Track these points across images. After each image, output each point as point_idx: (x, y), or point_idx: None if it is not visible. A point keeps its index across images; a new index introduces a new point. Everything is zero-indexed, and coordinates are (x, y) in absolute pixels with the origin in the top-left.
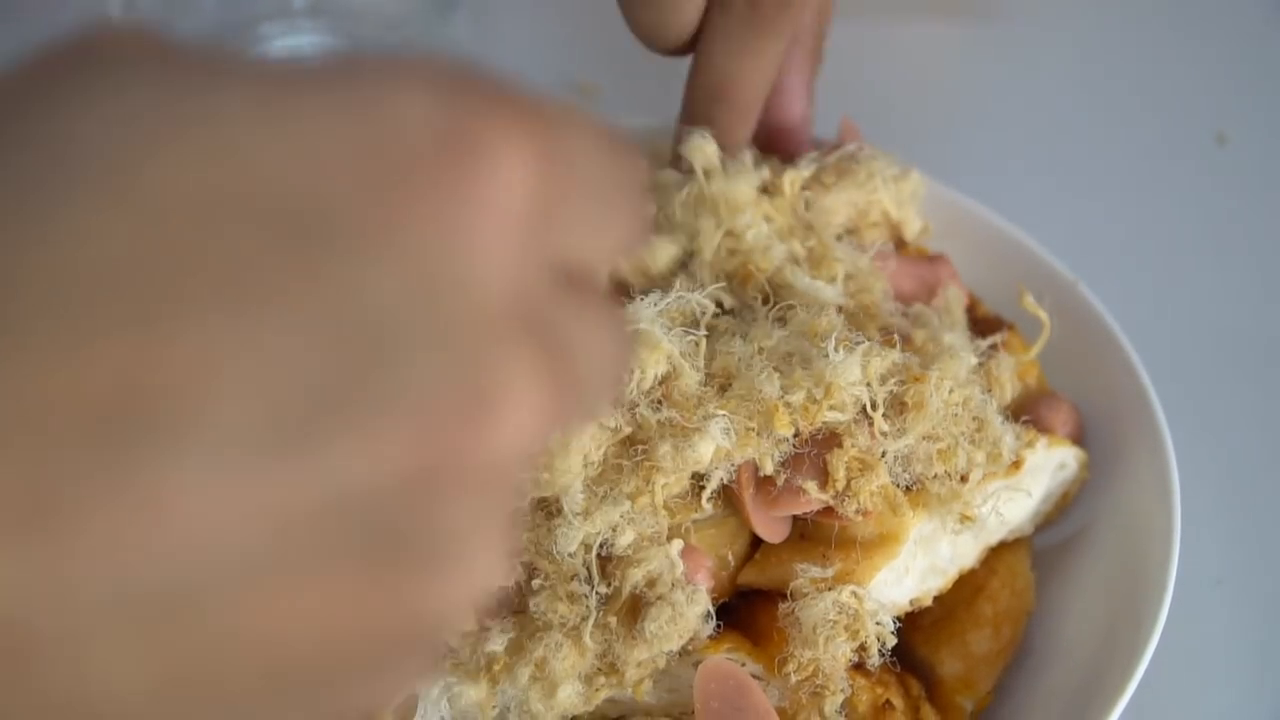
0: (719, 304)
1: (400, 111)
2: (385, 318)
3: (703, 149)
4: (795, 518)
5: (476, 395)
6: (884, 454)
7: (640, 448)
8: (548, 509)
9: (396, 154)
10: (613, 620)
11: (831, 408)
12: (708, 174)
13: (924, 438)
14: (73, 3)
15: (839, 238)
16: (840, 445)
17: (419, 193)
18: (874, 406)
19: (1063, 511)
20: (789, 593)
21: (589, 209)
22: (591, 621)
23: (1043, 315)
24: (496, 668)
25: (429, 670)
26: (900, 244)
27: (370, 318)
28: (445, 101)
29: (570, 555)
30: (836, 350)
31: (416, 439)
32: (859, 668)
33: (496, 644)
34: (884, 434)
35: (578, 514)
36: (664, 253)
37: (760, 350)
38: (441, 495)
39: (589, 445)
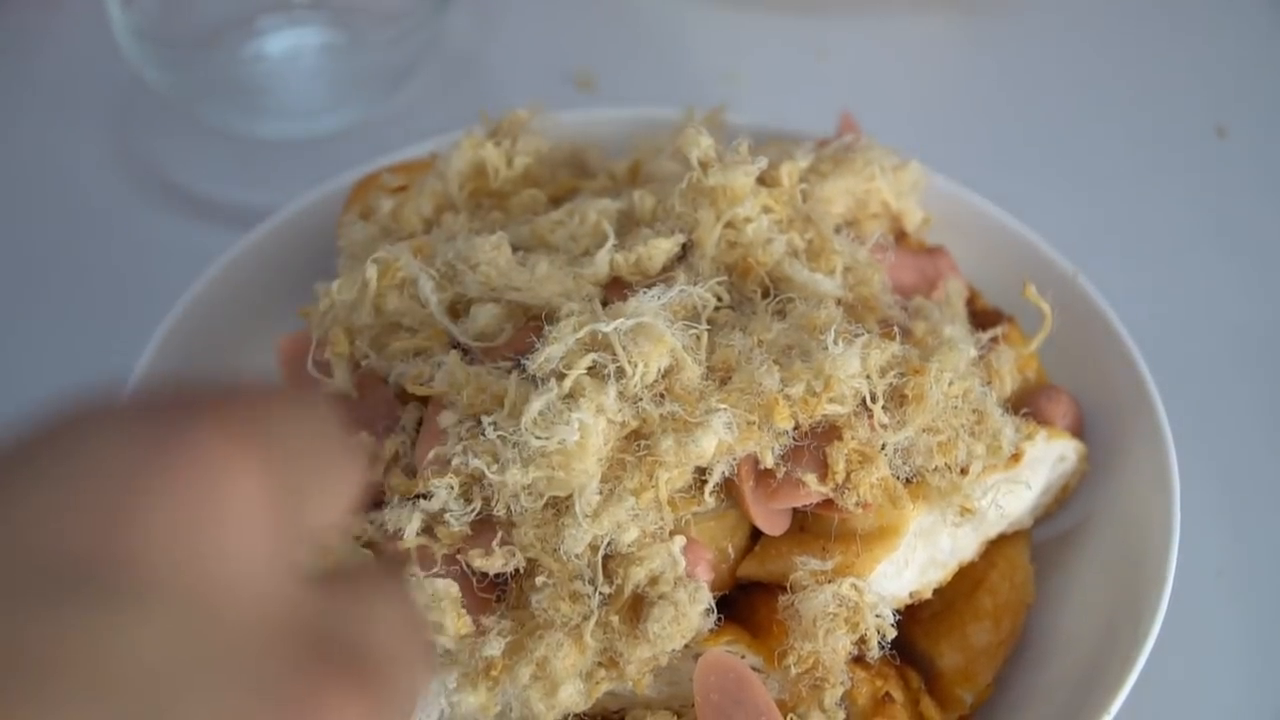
0: (718, 297)
1: (95, 453)
2: (158, 677)
3: (698, 141)
4: (795, 510)
5: None
6: (884, 446)
7: (643, 442)
8: (556, 506)
9: (111, 493)
10: (614, 619)
11: (831, 400)
12: (704, 166)
13: (924, 430)
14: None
15: (838, 230)
16: (840, 438)
17: (150, 527)
18: (873, 399)
19: (1062, 504)
20: (789, 585)
21: (322, 483)
22: (593, 620)
23: (1045, 307)
24: (495, 671)
25: None
26: (901, 236)
27: (143, 681)
28: (138, 427)
29: (576, 555)
30: (836, 343)
31: None
32: (859, 660)
33: (494, 647)
34: (884, 426)
35: (588, 515)
36: (660, 250)
37: (760, 343)
38: None
39: (602, 445)
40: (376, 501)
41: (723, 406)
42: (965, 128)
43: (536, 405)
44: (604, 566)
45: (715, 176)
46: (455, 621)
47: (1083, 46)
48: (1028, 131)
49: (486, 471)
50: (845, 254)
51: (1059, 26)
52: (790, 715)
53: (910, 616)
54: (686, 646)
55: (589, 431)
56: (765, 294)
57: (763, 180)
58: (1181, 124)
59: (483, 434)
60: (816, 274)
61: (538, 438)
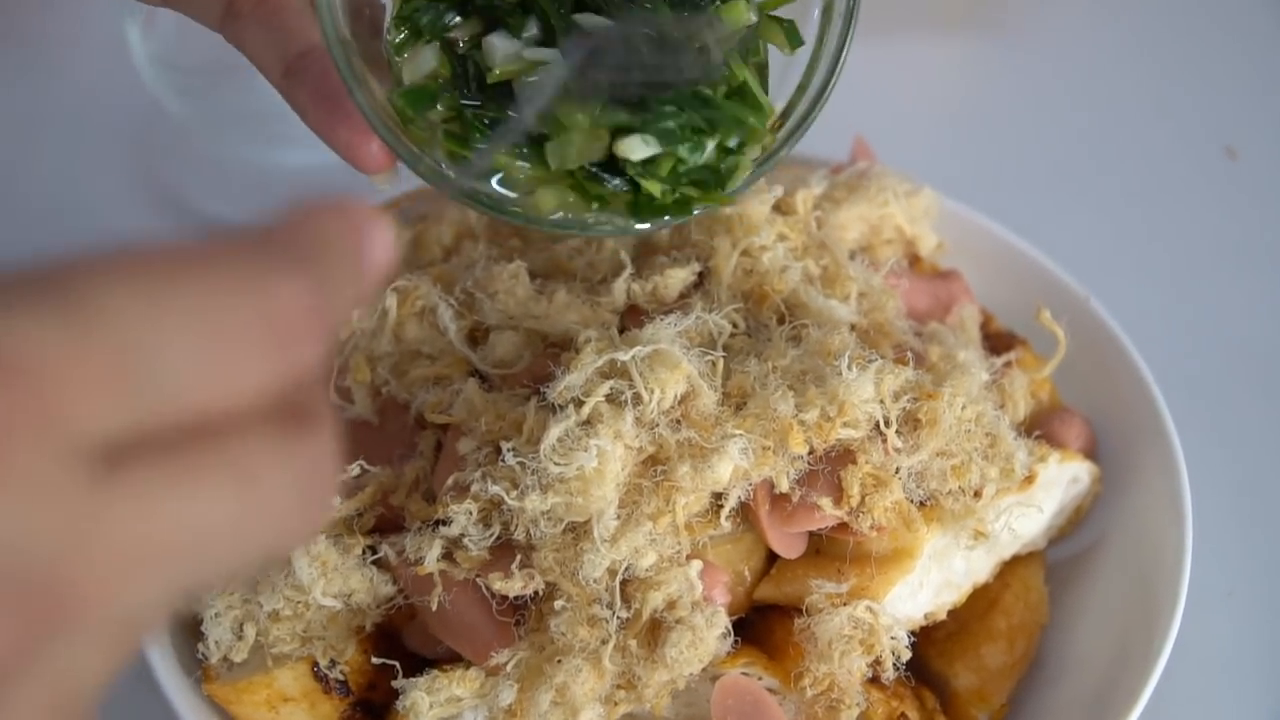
0: (734, 324)
1: None
2: None
3: None
4: (811, 534)
5: None
6: (898, 470)
7: (660, 468)
8: (575, 531)
9: None
10: (632, 643)
11: (845, 425)
12: None
13: (938, 454)
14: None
15: (852, 255)
16: (854, 462)
17: None
18: (887, 423)
19: (1076, 525)
20: (804, 608)
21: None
22: (611, 645)
23: (1059, 333)
24: (515, 711)
25: None
26: (915, 260)
27: None
28: None
29: (595, 580)
30: (850, 368)
31: None
32: (874, 681)
33: (507, 696)
34: (898, 450)
35: (606, 540)
36: (676, 279)
37: (775, 369)
38: None
39: (620, 470)
40: (396, 526)
41: (738, 433)
42: (977, 151)
43: (555, 432)
44: (622, 590)
45: (732, 207)
46: (466, 686)
47: (1093, 70)
48: (1039, 155)
49: (506, 498)
50: (860, 280)
51: (1070, 51)
52: None
53: (925, 638)
54: (704, 669)
55: (607, 458)
56: (780, 320)
57: (778, 207)
58: (1192, 145)
59: (501, 460)
60: (831, 300)
61: (556, 464)
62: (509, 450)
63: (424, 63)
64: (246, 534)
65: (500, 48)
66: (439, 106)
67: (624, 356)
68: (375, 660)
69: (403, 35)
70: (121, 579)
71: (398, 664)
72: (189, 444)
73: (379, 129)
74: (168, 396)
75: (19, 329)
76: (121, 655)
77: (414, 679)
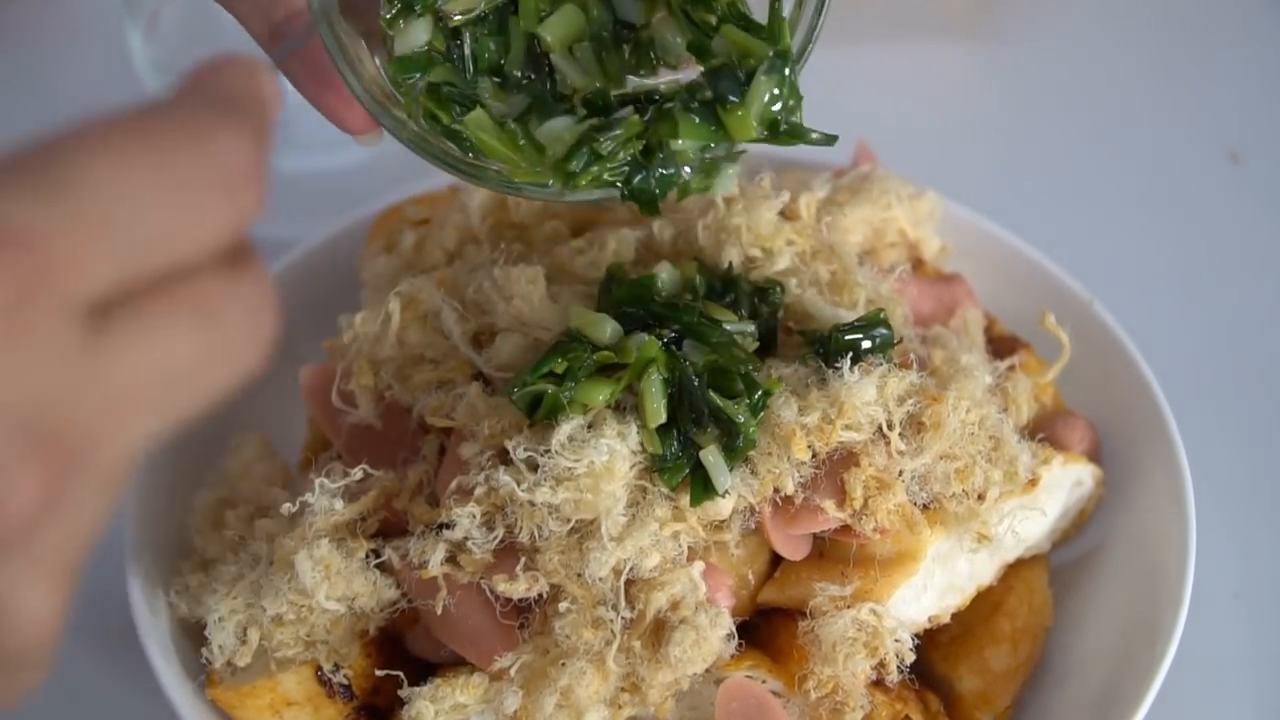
0: None
1: None
2: None
3: None
4: (815, 536)
5: None
6: (901, 473)
7: (663, 489)
8: (580, 532)
9: None
10: (636, 644)
11: (847, 427)
12: (728, 202)
13: (941, 457)
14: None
15: (861, 261)
16: (858, 464)
17: None
18: (890, 426)
19: (1079, 528)
20: (808, 611)
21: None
22: (615, 646)
23: (1063, 337)
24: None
25: None
26: (918, 264)
27: None
28: None
29: (600, 580)
30: (852, 371)
31: None
32: (878, 684)
33: (512, 702)
34: (901, 453)
35: (613, 538)
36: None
37: (779, 378)
38: None
39: (628, 470)
40: (400, 530)
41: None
42: (980, 155)
43: (566, 429)
44: (626, 591)
45: (739, 216)
46: (470, 693)
47: (1097, 74)
48: (1043, 159)
49: (517, 490)
50: (868, 286)
51: (1073, 55)
52: None
53: (929, 640)
54: (708, 671)
55: (617, 455)
56: (789, 332)
57: (783, 213)
58: (1196, 150)
59: (509, 460)
60: (839, 309)
61: (568, 459)
62: (519, 445)
63: (416, 37)
64: (210, 366)
65: None
66: (430, 78)
67: None
68: (380, 673)
69: (396, 8)
70: (117, 421)
71: (402, 674)
72: (158, 291)
73: (363, 99)
74: (144, 252)
75: (20, 207)
76: (110, 504)
77: (418, 688)
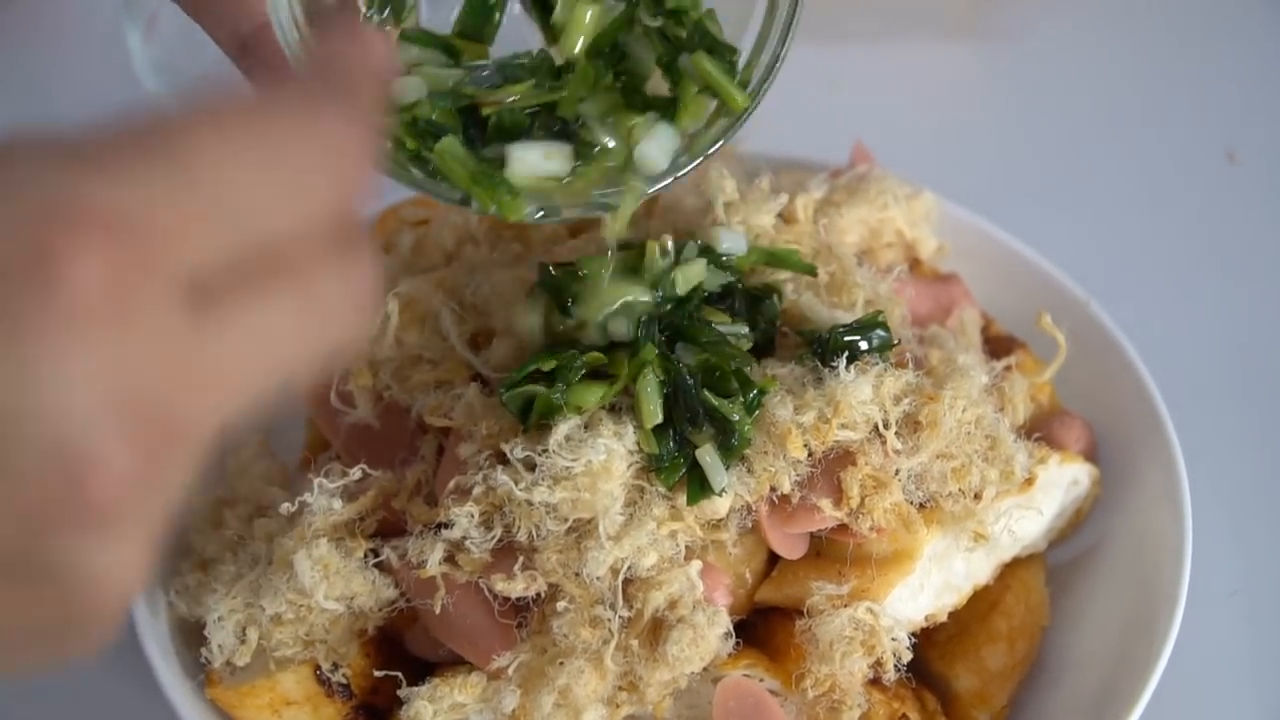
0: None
1: None
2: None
3: (723, 185)
4: (812, 535)
5: (61, 475)
6: (897, 472)
7: (660, 489)
8: (577, 531)
9: None
10: (634, 643)
11: (843, 426)
12: (729, 207)
13: (938, 456)
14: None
15: (860, 262)
16: (854, 463)
17: None
18: (887, 425)
19: (1076, 527)
20: (806, 609)
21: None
22: (613, 645)
23: (1060, 338)
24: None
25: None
26: (915, 263)
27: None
28: (25, 213)
29: (598, 579)
30: (848, 370)
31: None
32: (875, 683)
33: (510, 701)
34: (897, 452)
35: (611, 537)
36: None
37: (774, 377)
38: (52, 538)
39: (625, 470)
40: (398, 530)
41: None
42: (977, 155)
43: (563, 429)
44: (624, 591)
45: (738, 217)
46: (468, 692)
47: (1094, 74)
48: (1040, 159)
49: (515, 490)
50: (866, 287)
51: (1069, 55)
52: None
53: (926, 639)
54: (705, 670)
55: (614, 455)
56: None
57: (781, 215)
58: (1192, 149)
59: (507, 460)
60: (836, 310)
61: (565, 459)
62: (516, 445)
63: (411, 92)
64: (310, 342)
65: None
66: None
67: None
68: (378, 673)
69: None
70: (214, 399)
71: (401, 675)
72: (262, 269)
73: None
74: (252, 229)
75: (129, 187)
76: (192, 474)
77: (417, 688)
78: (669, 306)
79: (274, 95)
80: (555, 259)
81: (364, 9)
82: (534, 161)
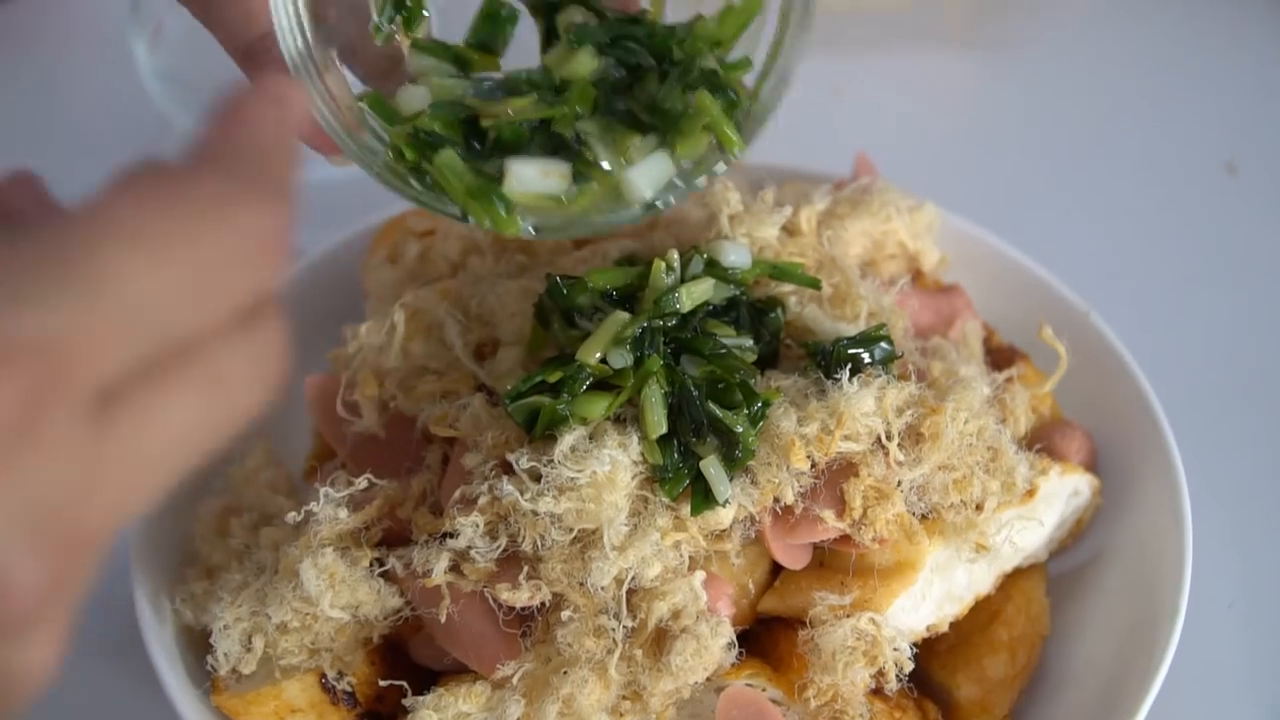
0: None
1: None
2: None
3: (728, 198)
4: (814, 546)
5: None
6: (900, 483)
7: (664, 500)
8: (582, 541)
9: None
10: (638, 653)
11: (846, 438)
12: (733, 219)
13: (940, 467)
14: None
15: (863, 274)
16: (857, 475)
17: None
18: (889, 437)
19: (1077, 538)
20: (808, 620)
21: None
22: (617, 654)
23: (1061, 349)
24: None
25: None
26: (917, 275)
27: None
28: None
29: (602, 589)
30: (851, 382)
31: None
32: (877, 693)
33: (514, 710)
34: (900, 464)
35: (615, 547)
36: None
37: (778, 389)
38: None
39: (629, 480)
40: (404, 539)
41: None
42: (979, 167)
43: (569, 440)
44: (628, 600)
45: (742, 229)
46: (473, 701)
47: (1094, 85)
48: (1041, 170)
49: (520, 500)
50: (870, 299)
51: (1071, 66)
52: None
53: (927, 649)
54: (708, 680)
55: (619, 465)
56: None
57: (785, 228)
58: (1192, 160)
59: (512, 470)
60: (840, 323)
61: (570, 470)
62: (522, 456)
63: (415, 101)
64: (216, 426)
65: None
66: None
67: None
68: (383, 683)
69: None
70: (125, 498)
71: (405, 684)
72: (166, 363)
73: (331, 131)
74: (159, 334)
75: (37, 312)
76: (101, 559)
77: (422, 696)
78: (673, 322)
79: (186, 179)
80: (561, 271)
81: (375, 15)
82: (531, 178)
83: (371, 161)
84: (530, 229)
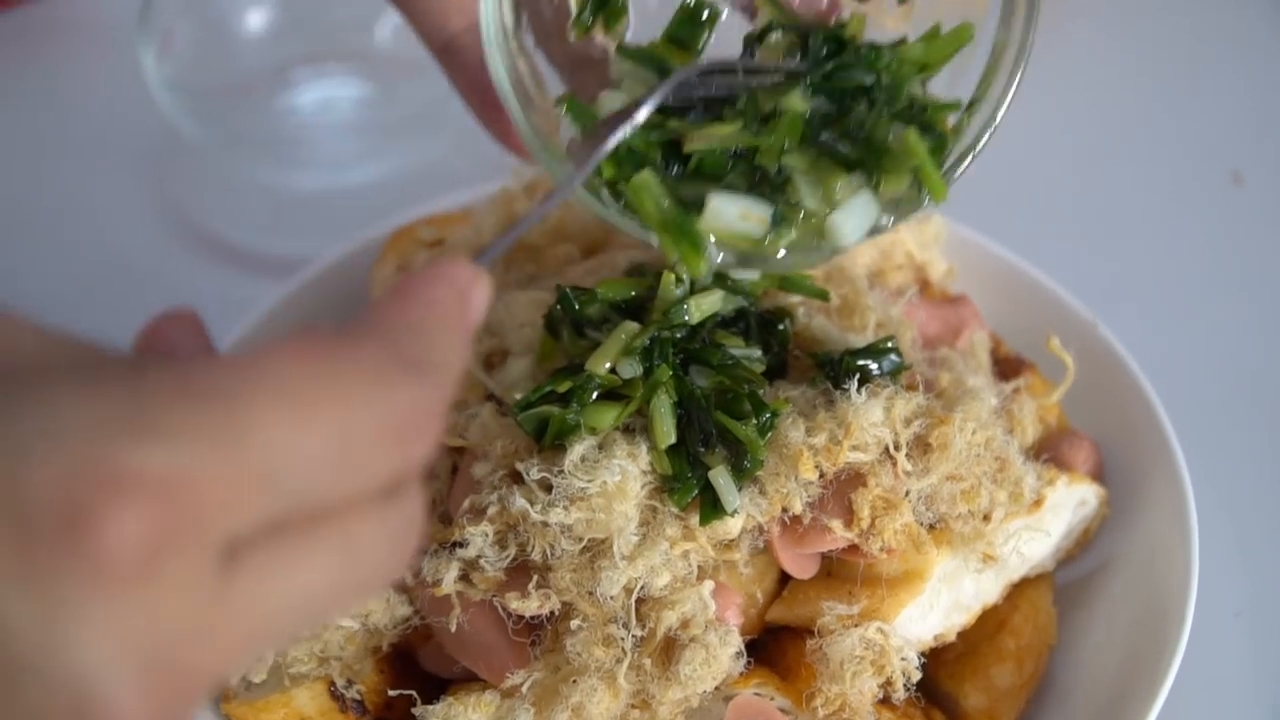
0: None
1: (25, 474)
2: None
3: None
4: (822, 555)
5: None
6: (908, 493)
7: (673, 510)
8: (591, 551)
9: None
10: (647, 662)
11: (854, 448)
12: None
13: (947, 478)
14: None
15: (871, 285)
16: (865, 485)
17: (20, 570)
18: (897, 447)
19: (1084, 547)
20: (816, 629)
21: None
22: (626, 663)
23: (1068, 360)
24: None
25: None
26: (924, 285)
27: None
28: (70, 466)
29: (612, 598)
30: (859, 392)
31: None
32: (885, 702)
33: (524, 718)
34: (908, 474)
35: (625, 557)
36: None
37: (786, 399)
38: None
39: (639, 490)
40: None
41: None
42: (985, 177)
43: (579, 450)
44: (637, 610)
45: None
46: (482, 710)
47: (1101, 96)
48: (1047, 181)
49: (530, 510)
50: (878, 310)
51: (1077, 76)
52: None
53: (935, 658)
54: (717, 689)
55: (629, 475)
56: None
57: None
58: (1199, 171)
59: (521, 480)
60: (848, 333)
61: (580, 480)
62: (532, 466)
63: (610, 102)
64: (343, 595)
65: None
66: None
67: None
68: (393, 693)
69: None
70: (238, 652)
71: (415, 693)
72: (302, 524)
73: (526, 140)
74: (299, 499)
75: (177, 448)
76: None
77: (431, 706)
78: (682, 333)
79: (352, 353)
80: (569, 282)
81: (575, 11)
82: (731, 218)
83: (561, 170)
84: (716, 262)
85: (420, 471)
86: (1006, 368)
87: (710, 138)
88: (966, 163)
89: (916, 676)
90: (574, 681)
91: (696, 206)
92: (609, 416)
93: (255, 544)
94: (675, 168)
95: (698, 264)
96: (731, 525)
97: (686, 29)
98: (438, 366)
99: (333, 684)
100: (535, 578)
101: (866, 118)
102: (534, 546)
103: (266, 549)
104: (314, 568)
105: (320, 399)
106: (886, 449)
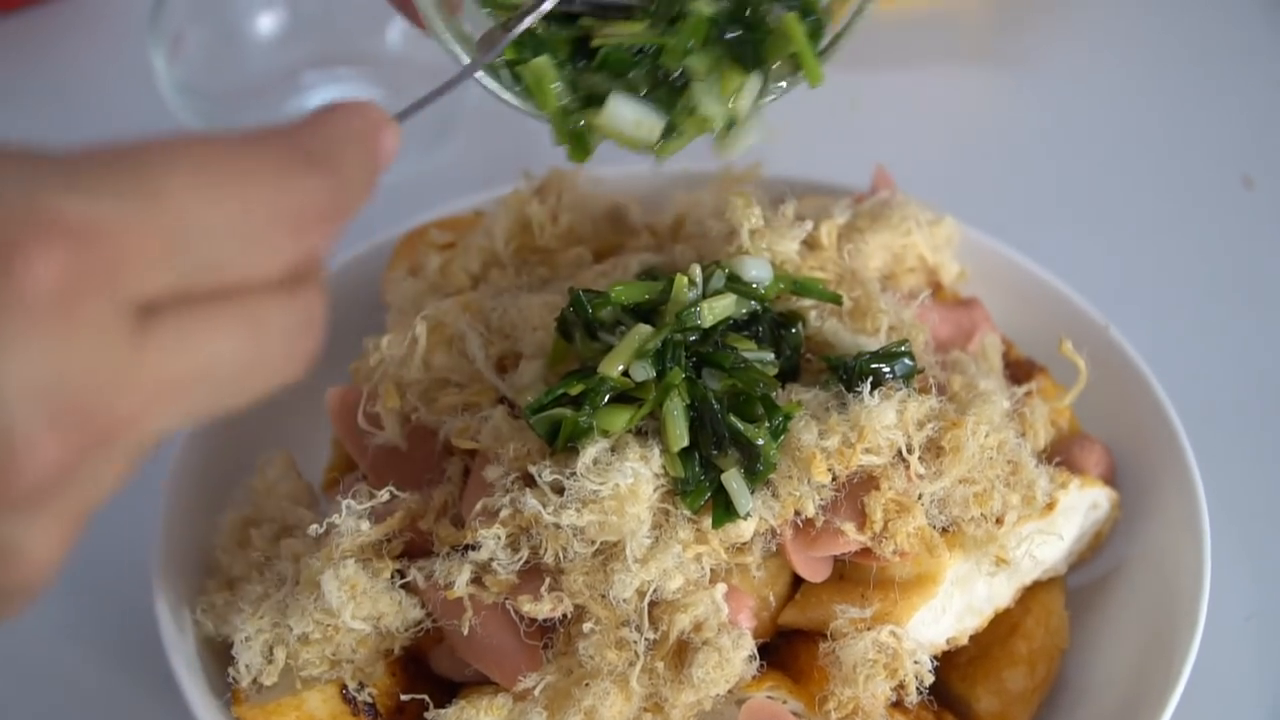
0: None
1: None
2: None
3: (749, 215)
4: (835, 559)
5: None
6: (920, 497)
7: (686, 513)
8: (605, 554)
9: None
10: (660, 665)
11: (867, 451)
12: (754, 234)
13: (960, 481)
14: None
15: (884, 288)
16: (878, 488)
17: None
18: (910, 450)
19: (1096, 551)
20: (829, 633)
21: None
22: (639, 666)
23: (1080, 363)
24: None
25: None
26: (937, 288)
27: None
28: (3, 210)
29: (624, 601)
30: (872, 395)
31: None
32: (898, 705)
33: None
34: (920, 477)
35: (638, 560)
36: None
37: (799, 402)
38: None
39: (652, 493)
40: (425, 551)
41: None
42: (997, 180)
43: (591, 452)
44: (649, 613)
45: (762, 244)
46: (494, 713)
47: (1111, 99)
48: (1059, 184)
49: (543, 513)
50: (890, 313)
51: (1087, 80)
52: None
53: (947, 662)
54: (730, 692)
55: (641, 478)
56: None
57: (805, 241)
58: (1209, 175)
59: (533, 482)
60: (860, 336)
61: (593, 482)
62: (545, 468)
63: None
64: (249, 374)
65: None
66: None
67: None
68: (405, 696)
69: None
70: (147, 410)
71: (427, 696)
72: (210, 297)
73: (424, 9)
74: (205, 269)
75: (98, 202)
76: (125, 475)
77: (442, 710)
78: (695, 336)
79: (260, 143)
80: (582, 284)
81: None
82: (626, 122)
83: (459, 49)
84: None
85: (320, 272)
86: (1018, 371)
87: (618, 34)
88: (839, 44)
89: (929, 680)
90: (586, 685)
91: (596, 100)
92: (621, 419)
93: (167, 308)
94: (582, 62)
95: (582, 157)
96: (744, 528)
97: None
98: (339, 167)
99: (345, 687)
100: (548, 580)
101: (757, 6)
102: (546, 549)
103: (177, 313)
104: (222, 338)
105: (226, 178)
106: (899, 452)
